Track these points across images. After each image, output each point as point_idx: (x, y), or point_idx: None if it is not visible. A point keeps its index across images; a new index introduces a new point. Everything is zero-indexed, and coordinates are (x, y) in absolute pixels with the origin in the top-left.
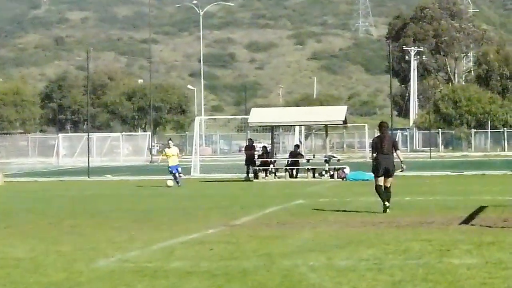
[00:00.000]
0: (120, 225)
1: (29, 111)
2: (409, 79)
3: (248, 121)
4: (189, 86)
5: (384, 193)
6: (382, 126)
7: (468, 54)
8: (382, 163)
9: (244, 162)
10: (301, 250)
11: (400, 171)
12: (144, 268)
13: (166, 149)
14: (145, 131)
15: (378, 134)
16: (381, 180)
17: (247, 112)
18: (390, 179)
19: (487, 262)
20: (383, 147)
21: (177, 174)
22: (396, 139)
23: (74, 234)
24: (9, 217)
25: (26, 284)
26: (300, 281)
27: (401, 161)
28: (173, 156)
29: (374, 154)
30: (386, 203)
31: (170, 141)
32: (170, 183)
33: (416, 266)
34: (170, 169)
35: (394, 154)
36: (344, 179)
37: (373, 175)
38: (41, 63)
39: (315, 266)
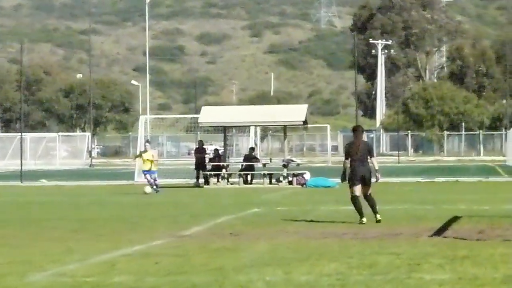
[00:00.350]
0: (56, 235)
1: None
2: (376, 75)
3: (199, 121)
4: (133, 82)
5: (361, 205)
6: (356, 130)
7: (441, 49)
8: (357, 171)
9: (194, 167)
10: (257, 264)
11: (375, 181)
12: (83, 283)
13: (143, 153)
14: (84, 131)
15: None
16: (357, 190)
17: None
18: (368, 187)
19: (460, 278)
20: (357, 153)
21: (152, 180)
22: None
23: (4, 246)
24: None
25: None
26: None
27: (376, 170)
28: (147, 161)
29: (348, 161)
30: (364, 219)
31: (147, 144)
32: (148, 189)
33: (383, 282)
34: (144, 173)
35: (369, 160)
36: (304, 185)
37: (348, 184)
38: None
39: (272, 281)
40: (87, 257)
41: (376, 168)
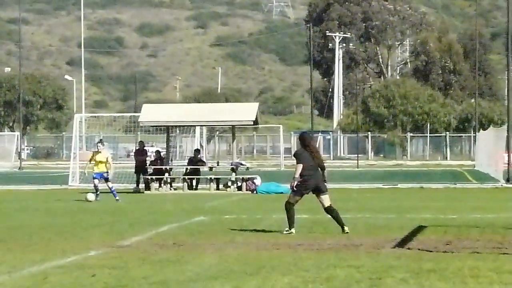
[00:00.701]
0: None
1: None
2: (333, 71)
3: (139, 120)
4: (67, 77)
5: (294, 214)
6: (304, 139)
7: (404, 42)
8: (311, 181)
9: (133, 170)
10: (203, 277)
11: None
12: None
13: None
14: (13, 130)
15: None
16: (297, 199)
17: (137, 109)
18: (326, 195)
19: None
20: (310, 160)
21: (109, 184)
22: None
23: None
24: None
25: None
26: None
27: (324, 179)
28: (101, 163)
29: (300, 169)
30: (293, 230)
31: (99, 144)
32: (91, 197)
33: None
34: (94, 177)
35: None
36: (254, 191)
37: (293, 191)
38: None
39: None
40: (16, 268)
41: (326, 176)
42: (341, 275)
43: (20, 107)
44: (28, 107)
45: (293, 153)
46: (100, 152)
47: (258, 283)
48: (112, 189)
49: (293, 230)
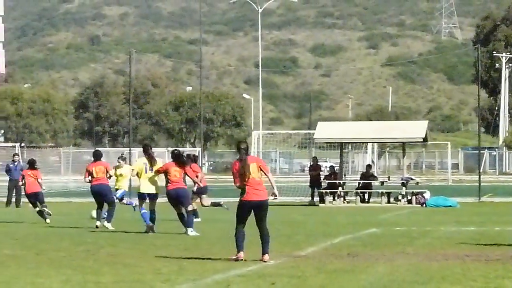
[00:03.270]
0: (167, 253)
1: (61, 121)
2: (499, 90)
3: (314, 137)
4: (245, 95)
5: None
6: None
7: None
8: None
9: (308, 184)
10: (376, 287)
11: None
12: None
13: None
14: (194, 146)
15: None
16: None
17: (311, 126)
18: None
19: None
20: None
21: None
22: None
23: (115, 264)
24: (40, 242)
25: None
26: None
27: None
28: (122, 177)
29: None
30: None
31: (120, 160)
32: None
33: None
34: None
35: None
36: (424, 205)
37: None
38: (74, 66)
39: None
40: (201, 276)
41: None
42: (508, 286)
43: (201, 124)
44: (208, 124)
45: None
46: (121, 167)
47: None
48: (128, 203)
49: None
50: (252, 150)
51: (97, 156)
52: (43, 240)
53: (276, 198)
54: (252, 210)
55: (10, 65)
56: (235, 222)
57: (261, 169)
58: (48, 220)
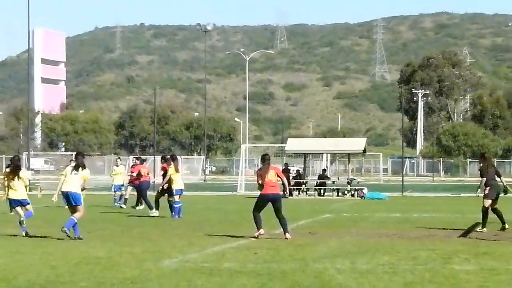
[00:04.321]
0: (180, 232)
1: (105, 137)
2: (417, 116)
3: (285, 149)
4: (236, 119)
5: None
6: (264, 158)
7: (466, 97)
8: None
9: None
10: (329, 256)
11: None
12: (201, 267)
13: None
14: (199, 155)
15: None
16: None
17: (283, 141)
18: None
19: (482, 268)
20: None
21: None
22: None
23: (142, 239)
24: (91, 224)
25: (105, 279)
26: (330, 281)
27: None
28: (118, 175)
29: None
30: (485, 229)
31: (118, 160)
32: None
33: (424, 270)
34: (114, 190)
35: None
36: (363, 198)
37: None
38: (115, 97)
39: (341, 269)
40: (203, 248)
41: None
42: (423, 255)
43: (205, 139)
44: (210, 140)
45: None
46: (118, 166)
47: (367, 260)
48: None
49: (485, 229)
50: (241, 158)
51: (142, 160)
52: (93, 222)
53: (285, 196)
54: (270, 202)
55: (69, 97)
56: (253, 210)
57: (277, 175)
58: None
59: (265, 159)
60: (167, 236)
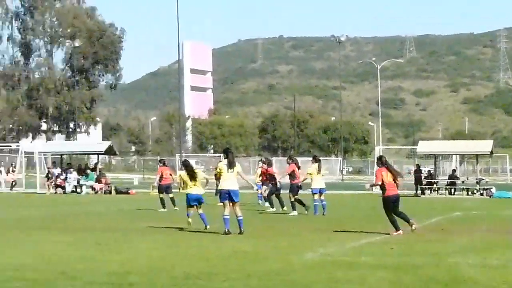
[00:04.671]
0: (320, 227)
1: (250, 139)
2: None
3: (417, 151)
4: (370, 123)
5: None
6: (382, 160)
7: None
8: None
9: (413, 182)
10: (461, 251)
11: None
12: (341, 260)
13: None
14: (337, 156)
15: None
16: None
17: (414, 143)
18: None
19: None
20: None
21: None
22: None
23: (286, 234)
24: (148, 219)
25: (252, 271)
26: (462, 275)
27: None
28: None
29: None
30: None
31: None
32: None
33: None
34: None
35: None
36: (491, 196)
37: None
38: (258, 103)
39: (472, 264)
40: (342, 243)
41: None
42: None
43: (341, 142)
44: (346, 142)
45: None
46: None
47: (497, 256)
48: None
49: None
50: (375, 160)
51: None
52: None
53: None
54: (392, 203)
55: (216, 103)
56: (385, 213)
57: (392, 175)
58: (176, 208)
59: (382, 160)
60: (308, 232)
